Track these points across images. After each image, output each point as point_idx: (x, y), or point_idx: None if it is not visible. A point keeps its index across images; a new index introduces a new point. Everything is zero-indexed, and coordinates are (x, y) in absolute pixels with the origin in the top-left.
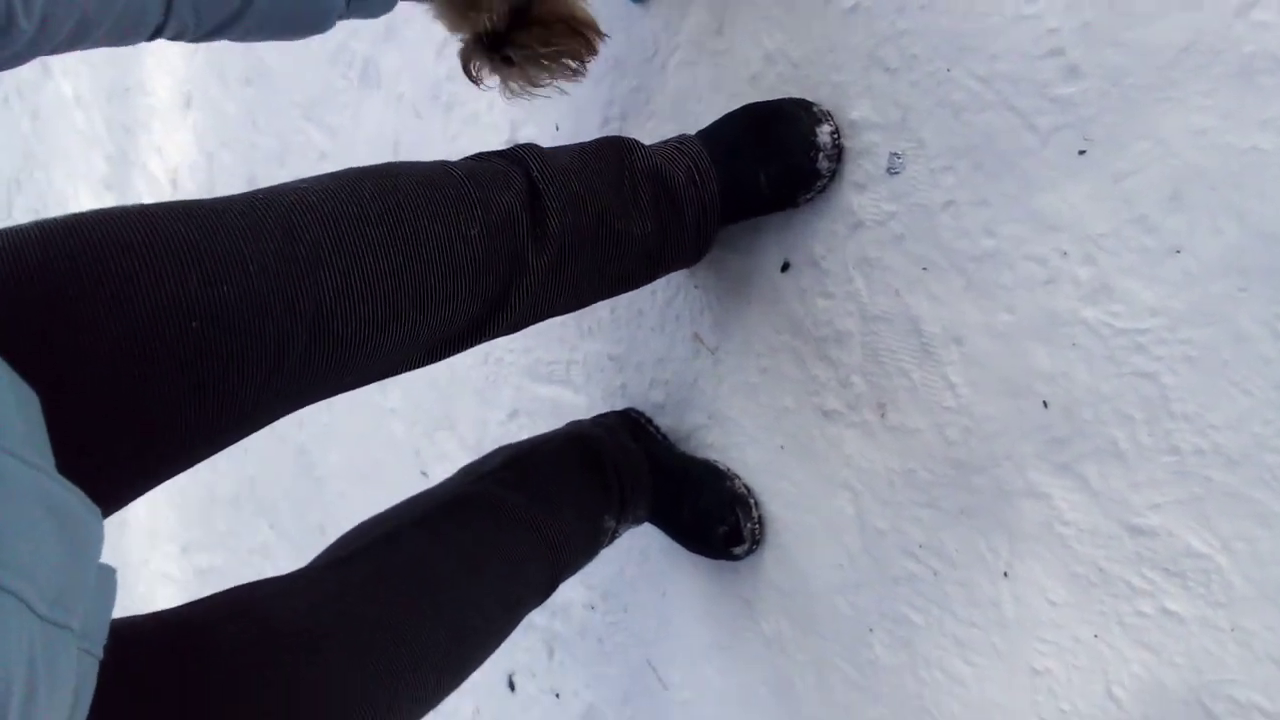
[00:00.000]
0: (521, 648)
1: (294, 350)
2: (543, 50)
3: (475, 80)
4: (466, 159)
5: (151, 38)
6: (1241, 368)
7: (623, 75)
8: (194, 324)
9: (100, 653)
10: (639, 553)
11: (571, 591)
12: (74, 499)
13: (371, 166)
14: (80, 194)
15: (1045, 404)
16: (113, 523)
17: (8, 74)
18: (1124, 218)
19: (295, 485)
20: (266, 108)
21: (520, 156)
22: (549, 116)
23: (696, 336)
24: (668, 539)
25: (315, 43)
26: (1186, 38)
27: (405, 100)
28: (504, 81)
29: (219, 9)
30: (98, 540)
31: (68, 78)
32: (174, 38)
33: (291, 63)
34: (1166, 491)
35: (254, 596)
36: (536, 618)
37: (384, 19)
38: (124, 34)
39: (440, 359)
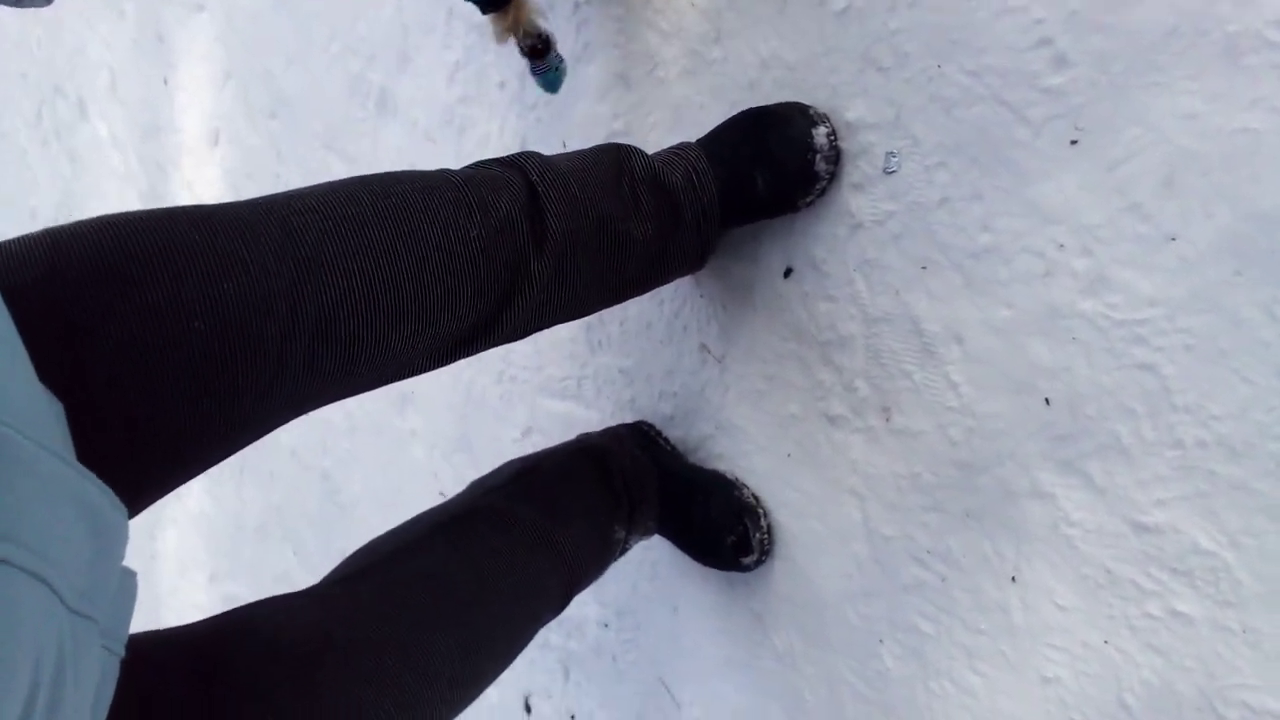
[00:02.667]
0: (539, 668)
1: (297, 351)
2: None
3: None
4: (466, 167)
5: None
6: (1241, 355)
7: (627, 89)
8: (196, 324)
9: (121, 651)
10: (650, 567)
11: (586, 609)
12: (104, 498)
13: (372, 174)
14: None
15: (1047, 400)
16: (143, 554)
17: (46, 118)
18: (1118, 206)
19: (320, 512)
20: (289, 139)
21: (519, 162)
22: (556, 134)
23: (703, 346)
24: (677, 553)
25: (336, 74)
26: (1171, 20)
27: (419, 126)
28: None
29: None
30: (123, 539)
31: (104, 120)
32: None
33: (312, 95)
34: (1171, 487)
35: (266, 613)
36: (552, 636)
37: (397, 48)
38: None
39: (446, 363)
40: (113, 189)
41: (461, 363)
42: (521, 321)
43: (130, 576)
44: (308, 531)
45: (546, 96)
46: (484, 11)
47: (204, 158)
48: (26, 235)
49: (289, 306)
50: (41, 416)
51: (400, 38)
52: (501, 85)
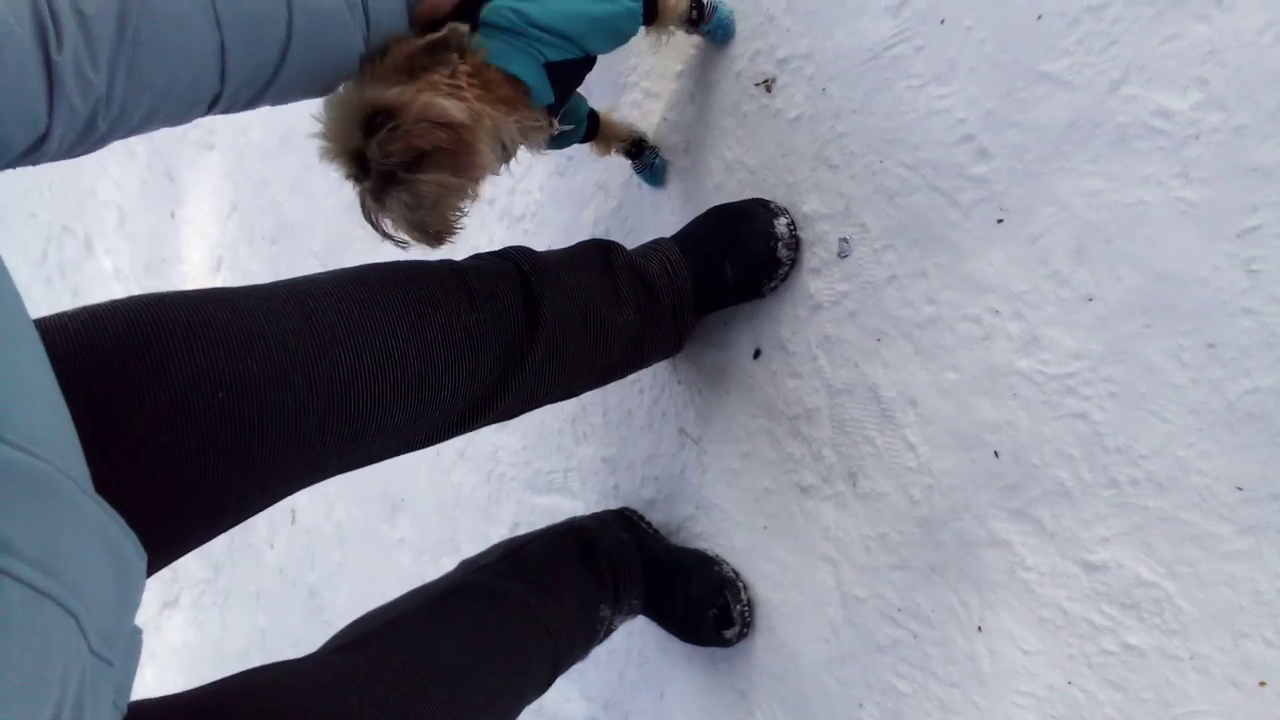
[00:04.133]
0: None
1: (310, 423)
2: (412, 154)
3: (377, 225)
4: (465, 258)
5: (209, 109)
6: (1157, 398)
7: (607, 196)
8: (220, 395)
9: (125, 709)
10: (637, 654)
11: (574, 705)
12: (129, 541)
13: (382, 262)
14: None
15: (996, 453)
16: None
17: (52, 256)
18: (1041, 274)
19: (305, 631)
20: (289, 261)
21: (511, 255)
22: (542, 241)
23: (682, 430)
24: (663, 637)
25: (335, 197)
26: (1070, 115)
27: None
28: (400, 209)
29: (262, 66)
30: (141, 585)
31: (109, 255)
32: (225, 109)
33: (312, 216)
34: (1111, 524)
35: (265, 678)
36: None
37: None
38: (185, 111)
39: (443, 440)
40: None
41: (450, 464)
42: (515, 400)
43: (137, 634)
44: (291, 654)
45: (533, 208)
46: (582, 142)
47: (205, 284)
48: (65, 311)
49: (305, 380)
50: (79, 463)
51: None
52: (491, 201)
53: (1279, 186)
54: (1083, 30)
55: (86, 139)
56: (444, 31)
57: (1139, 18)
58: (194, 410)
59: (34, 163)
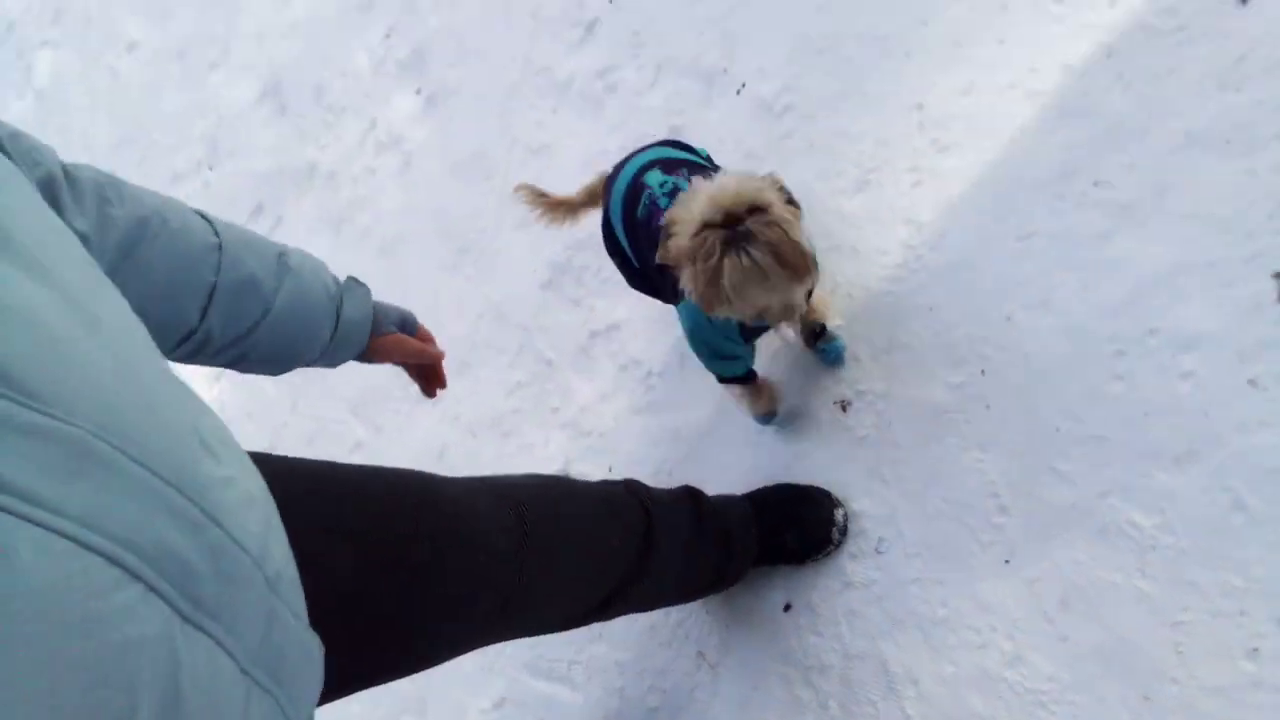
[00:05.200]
0: None
1: (495, 610)
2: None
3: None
4: (600, 483)
5: (177, 346)
6: None
7: (677, 442)
8: (449, 590)
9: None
10: None
11: None
12: (314, 643)
13: (554, 478)
14: None
15: None
16: None
17: None
18: (1033, 610)
19: None
20: (311, 398)
21: (636, 489)
22: (603, 459)
23: (700, 654)
24: None
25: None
26: (1069, 503)
27: (462, 421)
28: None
29: (242, 319)
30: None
31: None
32: (196, 351)
33: (351, 371)
34: None
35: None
36: None
37: (459, 357)
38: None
39: (562, 631)
40: None
41: None
42: (620, 610)
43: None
44: None
45: (601, 428)
46: (742, 384)
47: (200, 391)
48: (350, 464)
49: (511, 577)
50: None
51: (465, 349)
52: (555, 410)
53: (1203, 599)
54: (1086, 448)
55: None
56: None
57: (1126, 457)
58: (404, 582)
59: None
